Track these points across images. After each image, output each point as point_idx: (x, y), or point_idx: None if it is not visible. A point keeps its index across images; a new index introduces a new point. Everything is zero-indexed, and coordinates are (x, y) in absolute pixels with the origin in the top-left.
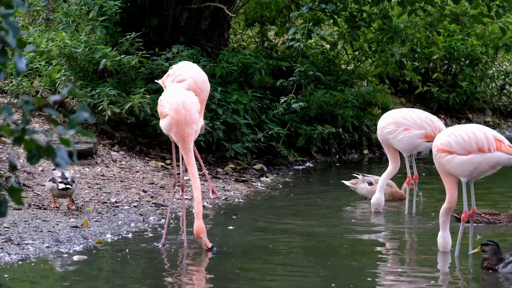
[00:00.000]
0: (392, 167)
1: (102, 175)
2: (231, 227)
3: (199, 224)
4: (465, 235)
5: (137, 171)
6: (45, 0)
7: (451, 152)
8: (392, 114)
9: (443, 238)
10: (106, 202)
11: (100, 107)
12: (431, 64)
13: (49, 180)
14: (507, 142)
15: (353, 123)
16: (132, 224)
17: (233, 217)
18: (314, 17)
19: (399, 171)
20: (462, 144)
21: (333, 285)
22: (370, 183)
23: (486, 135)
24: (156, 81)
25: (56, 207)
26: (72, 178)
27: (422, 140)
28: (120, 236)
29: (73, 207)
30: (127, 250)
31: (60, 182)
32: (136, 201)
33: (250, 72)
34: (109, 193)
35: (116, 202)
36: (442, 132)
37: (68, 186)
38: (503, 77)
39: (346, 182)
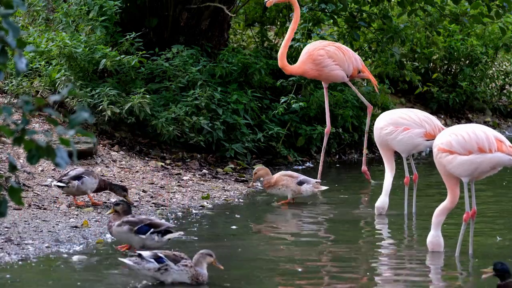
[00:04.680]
0: (391, 171)
1: (102, 175)
2: (231, 227)
3: None
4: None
5: (137, 171)
6: (45, 0)
7: (452, 152)
8: (390, 115)
9: (438, 237)
10: (106, 202)
11: (100, 107)
12: (431, 64)
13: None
14: (508, 142)
15: (353, 123)
16: None
17: (233, 217)
18: (314, 17)
19: (398, 172)
20: (463, 144)
21: (331, 284)
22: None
23: (487, 135)
24: None
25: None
26: (76, 176)
27: (422, 139)
28: None
29: (72, 207)
30: (127, 250)
31: (58, 180)
32: (136, 201)
33: (250, 72)
34: (109, 193)
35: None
36: (443, 132)
37: (59, 184)
38: (503, 77)
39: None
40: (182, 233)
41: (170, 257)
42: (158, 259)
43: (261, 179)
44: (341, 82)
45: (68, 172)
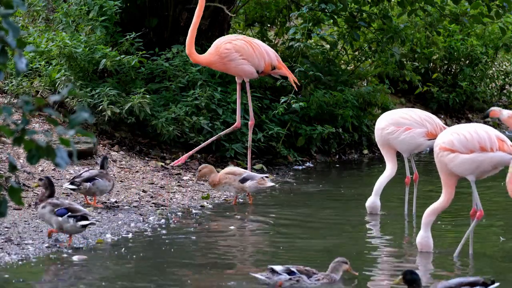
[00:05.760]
0: (390, 170)
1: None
2: (230, 227)
3: None
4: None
5: (137, 171)
6: (45, 0)
7: (453, 151)
8: (391, 115)
9: (427, 237)
10: (106, 202)
11: (100, 107)
12: (431, 64)
13: None
14: (509, 142)
15: (353, 123)
16: (132, 224)
17: (233, 217)
18: (314, 17)
19: (398, 172)
20: (465, 142)
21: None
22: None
23: (488, 134)
24: None
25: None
26: (89, 178)
27: (424, 139)
28: (120, 236)
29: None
30: (127, 250)
31: (70, 181)
32: (136, 201)
33: None
34: (109, 193)
35: (116, 202)
36: (444, 131)
37: (70, 186)
38: (503, 77)
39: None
40: (95, 222)
41: (303, 272)
42: (290, 273)
43: (207, 177)
44: (252, 78)
45: (82, 173)
